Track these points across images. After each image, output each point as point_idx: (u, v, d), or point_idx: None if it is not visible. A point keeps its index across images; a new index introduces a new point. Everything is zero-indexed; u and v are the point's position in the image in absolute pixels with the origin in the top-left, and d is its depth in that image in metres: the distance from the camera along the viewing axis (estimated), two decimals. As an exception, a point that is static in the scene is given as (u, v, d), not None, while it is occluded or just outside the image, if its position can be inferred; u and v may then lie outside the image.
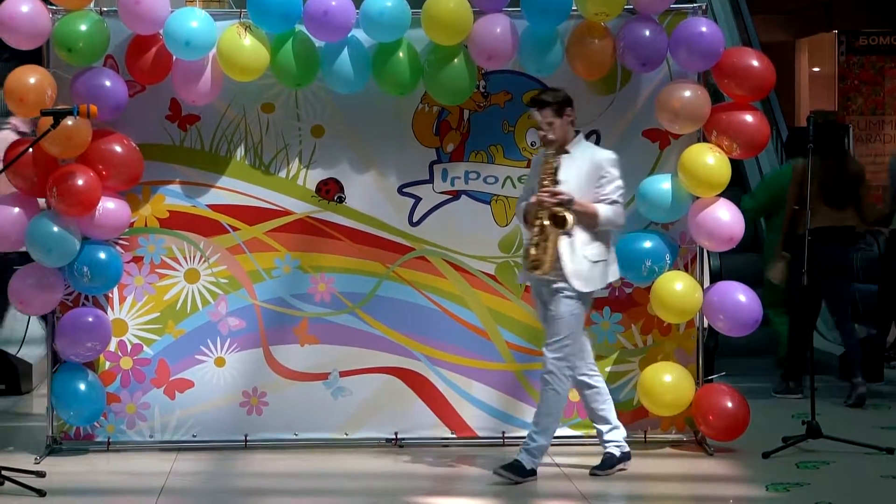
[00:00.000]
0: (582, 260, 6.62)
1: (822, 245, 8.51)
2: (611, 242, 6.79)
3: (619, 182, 6.73)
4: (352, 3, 7.01)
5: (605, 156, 6.76)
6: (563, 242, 6.60)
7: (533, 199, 6.69)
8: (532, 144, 7.44)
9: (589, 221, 6.63)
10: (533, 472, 6.67)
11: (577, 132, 6.84)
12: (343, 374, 7.46)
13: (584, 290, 6.64)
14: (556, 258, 6.60)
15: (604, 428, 6.89)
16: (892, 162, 10.07)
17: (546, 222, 6.59)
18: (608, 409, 6.92)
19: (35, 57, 7.16)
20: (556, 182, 6.62)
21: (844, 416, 8.24)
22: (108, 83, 7.01)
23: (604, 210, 6.65)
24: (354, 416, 7.46)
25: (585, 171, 6.67)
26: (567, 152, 6.69)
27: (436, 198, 7.45)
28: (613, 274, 6.87)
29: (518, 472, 6.64)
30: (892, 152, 12.72)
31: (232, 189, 7.41)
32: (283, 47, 7.05)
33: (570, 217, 6.56)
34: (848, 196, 9.03)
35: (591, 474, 6.80)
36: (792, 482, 6.65)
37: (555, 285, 6.64)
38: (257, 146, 7.41)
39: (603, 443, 6.91)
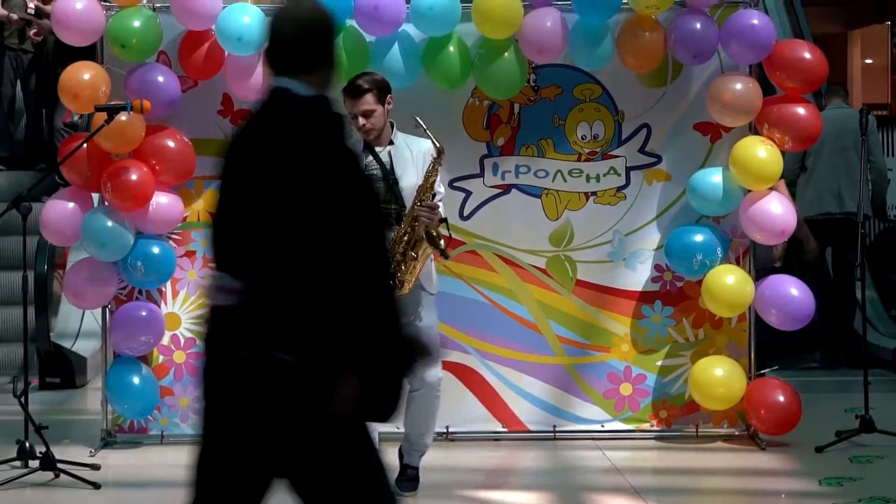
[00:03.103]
0: (429, 261, 6.18)
1: None
2: None
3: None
4: (402, -2, 7.04)
5: (428, 145, 6.14)
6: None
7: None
8: (583, 138, 7.44)
9: None
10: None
11: (392, 122, 6.21)
12: (394, 367, 7.47)
13: (434, 291, 6.21)
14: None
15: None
16: None
17: (420, 239, 5.99)
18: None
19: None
20: (434, 195, 6.09)
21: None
22: (160, 79, 7.06)
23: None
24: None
25: (421, 162, 6.13)
26: (392, 143, 6.15)
27: (486, 192, 7.45)
28: None
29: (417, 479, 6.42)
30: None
31: (283, 184, 7.44)
32: (333, 42, 7.08)
33: (444, 234, 6.03)
34: None
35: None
36: (845, 476, 6.61)
37: (421, 293, 6.14)
38: (308, 141, 7.43)
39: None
